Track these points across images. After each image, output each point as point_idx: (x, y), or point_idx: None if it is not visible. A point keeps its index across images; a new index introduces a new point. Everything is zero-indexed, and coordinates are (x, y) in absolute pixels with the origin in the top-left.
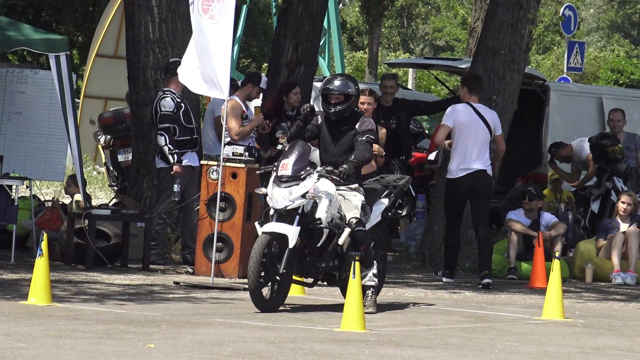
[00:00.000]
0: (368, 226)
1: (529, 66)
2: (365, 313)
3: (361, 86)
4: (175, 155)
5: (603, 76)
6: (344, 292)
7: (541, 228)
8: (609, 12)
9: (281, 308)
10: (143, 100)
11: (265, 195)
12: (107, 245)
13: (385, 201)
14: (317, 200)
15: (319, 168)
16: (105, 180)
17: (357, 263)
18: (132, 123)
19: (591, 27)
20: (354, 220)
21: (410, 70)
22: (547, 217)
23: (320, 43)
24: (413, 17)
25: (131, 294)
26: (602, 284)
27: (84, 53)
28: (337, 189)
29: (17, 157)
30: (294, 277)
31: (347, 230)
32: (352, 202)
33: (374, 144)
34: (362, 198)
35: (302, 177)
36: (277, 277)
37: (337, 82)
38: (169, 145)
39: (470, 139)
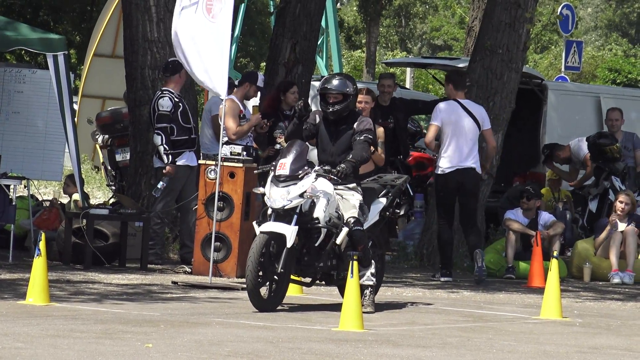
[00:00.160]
0: (366, 225)
1: (527, 65)
2: (363, 312)
3: (358, 85)
4: (170, 156)
5: (601, 75)
6: (342, 292)
7: (539, 227)
8: (607, 11)
9: (279, 308)
10: (141, 99)
11: (263, 194)
12: (105, 245)
13: (383, 200)
14: (315, 200)
15: (316, 167)
16: (103, 180)
17: (355, 262)
18: (130, 122)
19: (589, 26)
20: (352, 220)
21: (408, 69)
22: (545, 217)
23: (318, 42)
24: (411, 16)
25: (129, 294)
26: (600, 283)
27: (82, 52)
28: (335, 189)
29: (14, 156)
30: (292, 277)
31: (345, 230)
32: (350, 201)
33: (375, 152)
34: (360, 197)
35: (300, 176)
36: (275, 277)
37: (335, 82)
38: (164, 145)
39: (458, 136)
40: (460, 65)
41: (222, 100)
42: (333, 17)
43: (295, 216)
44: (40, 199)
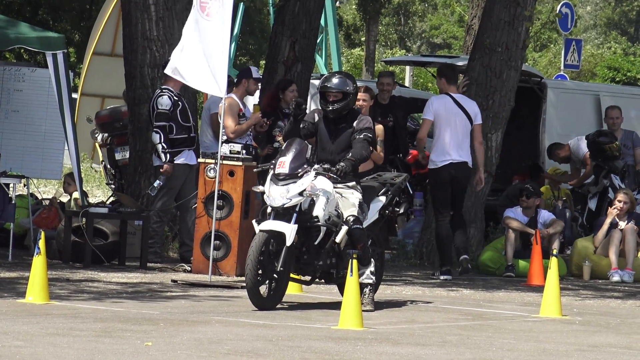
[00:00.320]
0: (365, 224)
1: (526, 63)
2: (362, 311)
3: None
4: (167, 155)
5: (600, 73)
6: (341, 290)
7: (539, 226)
8: (606, 10)
9: (279, 306)
10: (140, 98)
11: (263, 193)
12: (104, 244)
13: (382, 199)
14: (315, 198)
15: (316, 166)
16: (102, 179)
17: (355, 261)
18: (130, 121)
19: (588, 24)
20: (352, 218)
21: (408, 67)
22: (545, 215)
23: (318, 41)
24: (410, 14)
25: (129, 292)
26: (600, 281)
27: (81, 51)
28: (334, 187)
29: (14, 155)
30: (292, 275)
31: (344, 228)
32: (349, 200)
33: (374, 151)
34: (360, 196)
35: (299, 175)
36: (275, 275)
37: (335, 80)
38: (162, 144)
39: (450, 130)
40: (460, 63)
41: (222, 98)
42: (332, 15)
43: (295, 214)
44: (39, 198)
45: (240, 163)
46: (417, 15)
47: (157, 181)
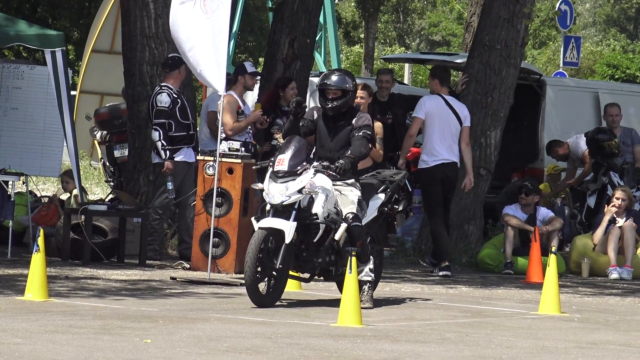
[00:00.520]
0: (364, 221)
1: (525, 61)
2: (361, 308)
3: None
4: (167, 152)
5: (599, 71)
6: (340, 288)
7: (537, 223)
8: (605, 7)
9: (278, 303)
10: (139, 95)
11: (262, 190)
12: (103, 241)
13: (381, 196)
14: (314, 196)
15: (315, 163)
16: (101, 176)
17: (354, 258)
18: (128, 118)
19: (587, 21)
20: (351, 216)
21: (407, 65)
22: (544, 212)
23: (317, 38)
24: (409, 12)
25: (128, 290)
26: (599, 278)
27: (80, 48)
28: (333, 184)
29: (13, 152)
30: (291, 273)
31: (343, 226)
32: (348, 197)
33: (373, 149)
34: (359, 193)
35: (298, 172)
36: (274, 273)
37: (334, 78)
38: (162, 141)
39: (442, 130)
40: (459, 60)
41: (221, 96)
42: (331, 12)
43: (294, 212)
44: (38, 195)
45: (239, 160)
46: (416, 13)
47: (169, 183)
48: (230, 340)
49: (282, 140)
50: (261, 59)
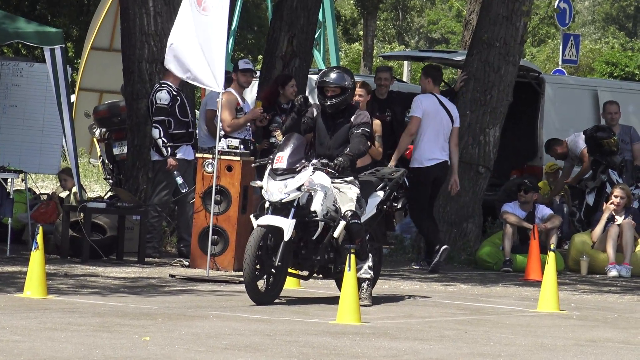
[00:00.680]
0: (363, 219)
1: (524, 59)
2: (360, 306)
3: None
4: (168, 149)
5: (598, 68)
6: (339, 285)
7: (536, 220)
8: (604, 5)
9: (277, 301)
10: (138, 92)
11: (261, 188)
12: (102, 238)
13: (380, 194)
14: (313, 193)
15: (314, 161)
16: (100, 174)
17: (353, 256)
18: (128, 116)
19: (586, 19)
20: (349, 213)
21: (406, 62)
22: (543, 210)
23: (316, 35)
24: (408, 9)
25: (127, 287)
26: (597, 276)
27: (79, 46)
28: (332, 182)
29: (12, 150)
30: (290, 270)
31: (342, 223)
32: (347, 194)
33: (372, 146)
34: (358, 191)
35: (297, 169)
36: (273, 270)
37: (333, 75)
38: (162, 138)
39: (436, 129)
40: (458, 58)
41: (219, 93)
42: (330, 10)
43: (293, 209)
44: (37, 193)
45: (238, 158)
46: (415, 10)
47: (178, 178)
48: (229, 338)
49: (281, 138)
50: (260, 57)
